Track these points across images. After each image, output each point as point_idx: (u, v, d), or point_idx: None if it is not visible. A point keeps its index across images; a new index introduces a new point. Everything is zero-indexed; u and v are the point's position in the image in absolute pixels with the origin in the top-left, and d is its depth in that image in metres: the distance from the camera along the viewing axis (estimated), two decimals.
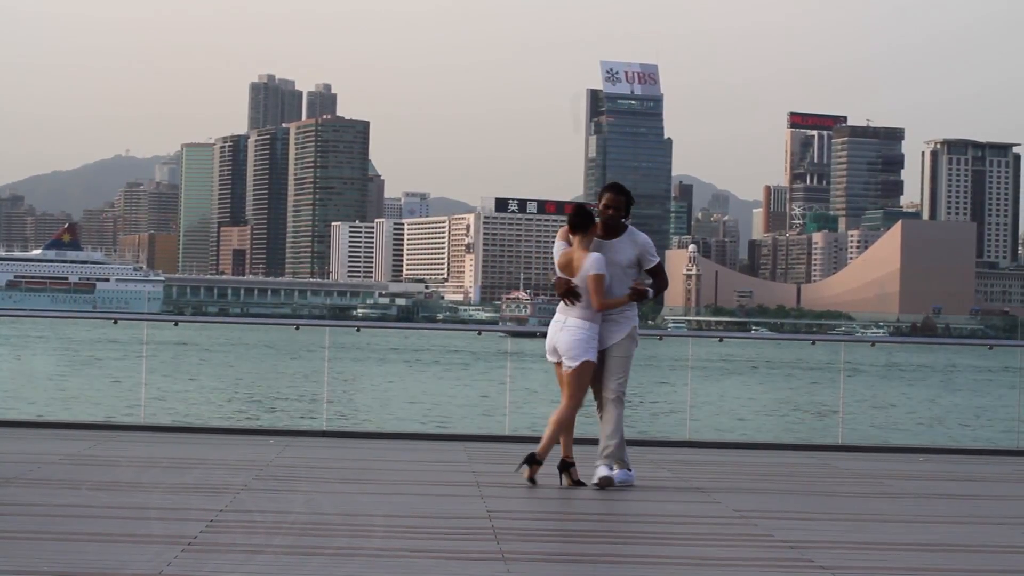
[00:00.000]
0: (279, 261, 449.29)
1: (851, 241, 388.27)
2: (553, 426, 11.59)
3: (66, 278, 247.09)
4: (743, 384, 58.75)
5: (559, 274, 11.55)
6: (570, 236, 11.58)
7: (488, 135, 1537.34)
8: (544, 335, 11.74)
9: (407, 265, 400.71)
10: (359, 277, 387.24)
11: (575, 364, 11.42)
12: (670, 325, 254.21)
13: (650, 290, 11.60)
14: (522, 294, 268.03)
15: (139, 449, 13.39)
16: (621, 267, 11.53)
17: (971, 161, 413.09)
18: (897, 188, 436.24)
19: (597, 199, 11.78)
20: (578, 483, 11.38)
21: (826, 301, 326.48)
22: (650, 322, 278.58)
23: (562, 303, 11.58)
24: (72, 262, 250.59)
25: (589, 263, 11.36)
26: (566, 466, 11.50)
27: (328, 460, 12.99)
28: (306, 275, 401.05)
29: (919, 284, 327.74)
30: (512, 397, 17.65)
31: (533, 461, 11.44)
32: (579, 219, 11.51)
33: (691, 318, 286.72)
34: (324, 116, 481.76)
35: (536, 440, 15.78)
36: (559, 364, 11.58)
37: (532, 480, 11.35)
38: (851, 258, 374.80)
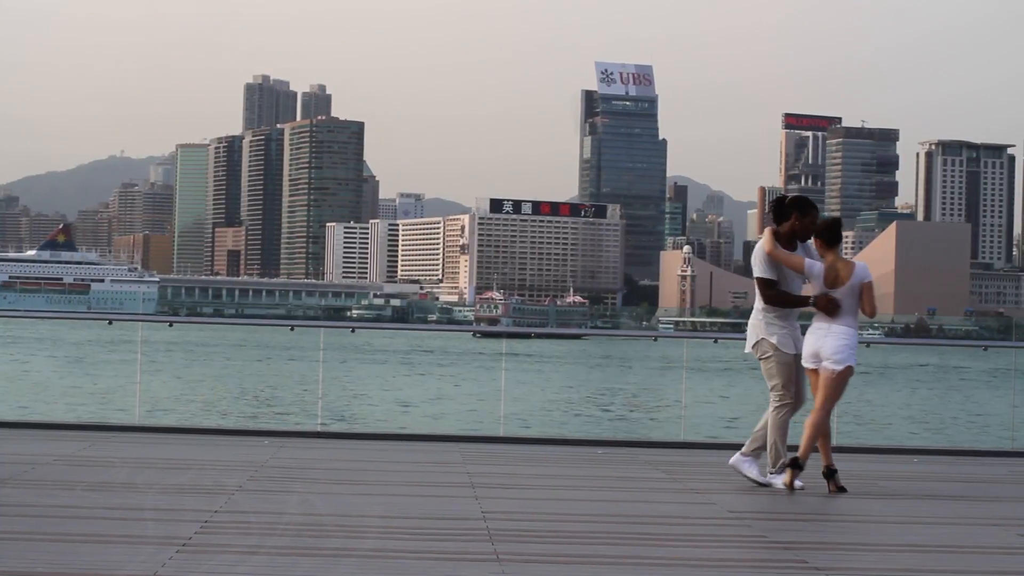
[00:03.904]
0: (274, 262, 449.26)
1: (845, 242, 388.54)
2: (809, 431, 11.74)
3: (61, 279, 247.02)
4: (738, 385, 58.71)
5: (821, 288, 11.69)
6: (819, 249, 11.80)
7: (483, 136, 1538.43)
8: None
9: (402, 266, 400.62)
10: (354, 278, 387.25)
11: (840, 368, 11.64)
12: (660, 326, 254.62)
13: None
14: (495, 294, 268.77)
15: (133, 450, 13.39)
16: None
17: (966, 162, 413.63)
18: (892, 189, 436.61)
19: (783, 216, 11.94)
20: (841, 489, 11.59)
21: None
22: (645, 323, 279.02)
23: (820, 313, 11.71)
24: (67, 263, 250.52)
25: (865, 271, 11.74)
26: (830, 473, 11.70)
27: (322, 461, 12.99)
28: (301, 276, 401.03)
29: (914, 285, 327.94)
30: (506, 397, 17.65)
31: (796, 466, 11.60)
32: (838, 233, 11.87)
33: (685, 319, 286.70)
34: (319, 117, 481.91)
35: (533, 440, 15.82)
36: (815, 370, 11.73)
37: (791, 486, 11.55)
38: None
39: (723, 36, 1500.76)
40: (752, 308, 12.14)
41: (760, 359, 12.04)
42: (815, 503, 11.13)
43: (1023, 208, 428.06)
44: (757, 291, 12.01)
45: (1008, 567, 8.34)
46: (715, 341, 24.49)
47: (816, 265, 11.72)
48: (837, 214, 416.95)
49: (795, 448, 11.87)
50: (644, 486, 11.91)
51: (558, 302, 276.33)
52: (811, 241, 12.00)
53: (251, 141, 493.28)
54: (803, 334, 11.92)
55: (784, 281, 11.90)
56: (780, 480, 11.69)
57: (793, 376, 11.89)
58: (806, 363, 11.76)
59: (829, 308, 11.65)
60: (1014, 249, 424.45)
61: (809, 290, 11.81)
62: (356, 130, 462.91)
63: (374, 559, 7.84)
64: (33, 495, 10.02)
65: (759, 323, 12.01)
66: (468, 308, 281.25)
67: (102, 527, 8.76)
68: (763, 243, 11.91)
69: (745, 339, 12.28)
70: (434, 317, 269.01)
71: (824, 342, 11.68)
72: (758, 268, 11.93)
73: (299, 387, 47.23)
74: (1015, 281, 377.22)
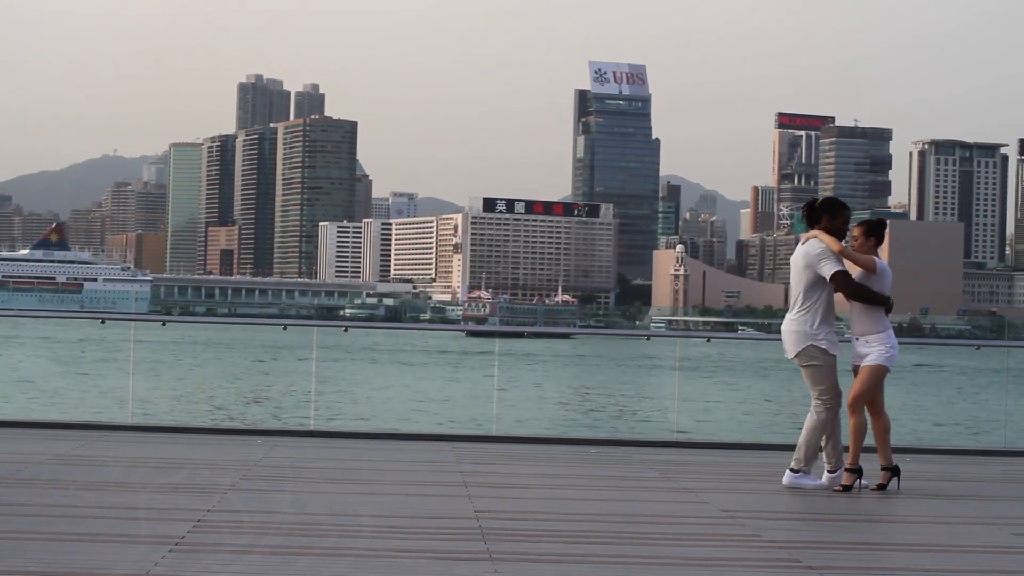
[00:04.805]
0: (267, 261, 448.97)
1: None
2: (881, 435, 11.91)
3: (54, 278, 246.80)
4: (731, 384, 58.77)
5: (886, 287, 11.88)
6: (869, 248, 11.88)
7: (476, 135, 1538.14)
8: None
9: (395, 265, 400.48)
10: (347, 277, 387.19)
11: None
12: (652, 324, 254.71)
13: None
14: (484, 293, 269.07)
15: (126, 449, 13.38)
16: None
17: (959, 162, 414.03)
18: (885, 188, 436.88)
19: (815, 219, 11.94)
20: (881, 487, 11.78)
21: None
22: (637, 323, 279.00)
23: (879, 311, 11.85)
24: (60, 262, 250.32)
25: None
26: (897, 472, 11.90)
27: (315, 460, 12.98)
28: (294, 275, 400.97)
29: (906, 284, 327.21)
30: (499, 397, 17.65)
31: (894, 472, 11.80)
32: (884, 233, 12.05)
33: (678, 318, 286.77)
34: (312, 116, 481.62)
35: (526, 440, 15.81)
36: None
37: (882, 487, 11.76)
38: None
39: (716, 35, 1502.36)
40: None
41: (805, 366, 11.86)
42: (809, 502, 11.13)
43: (1016, 207, 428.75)
44: (803, 295, 11.81)
45: (1002, 566, 8.35)
46: (708, 340, 24.42)
47: (885, 264, 11.76)
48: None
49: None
50: (637, 485, 11.91)
51: (547, 301, 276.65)
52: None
53: (244, 140, 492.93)
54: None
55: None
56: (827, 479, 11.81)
57: (836, 379, 11.89)
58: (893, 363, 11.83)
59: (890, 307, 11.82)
60: (1007, 248, 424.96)
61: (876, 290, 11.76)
62: (349, 129, 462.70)
63: (367, 558, 7.84)
64: (26, 494, 10.01)
65: (803, 329, 11.79)
66: (459, 307, 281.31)
67: (95, 526, 8.75)
68: (826, 242, 11.66)
69: (736, 339, 12.24)
70: (427, 316, 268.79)
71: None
72: (830, 264, 11.61)
73: (292, 386, 47.17)
74: (1008, 280, 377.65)
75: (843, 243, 11.89)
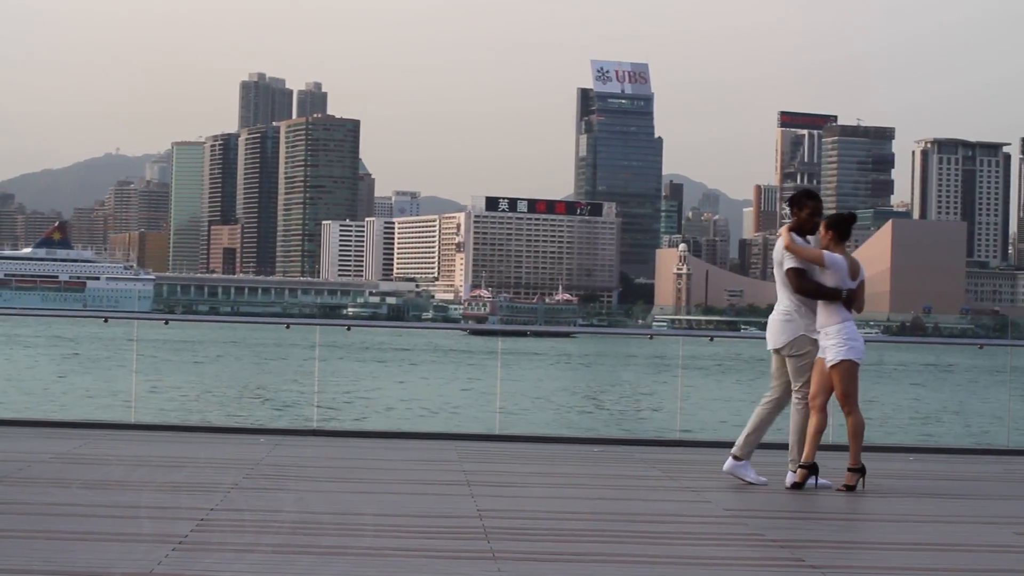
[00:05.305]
0: (269, 260, 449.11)
1: None
2: (855, 437, 11.80)
3: (56, 276, 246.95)
4: (734, 383, 58.71)
5: (843, 281, 11.72)
6: (830, 242, 11.84)
7: (479, 134, 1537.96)
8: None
9: (397, 264, 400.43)
10: (349, 276, 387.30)
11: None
12: (654, 324, 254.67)
13: None
14: (484, 292, 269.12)
15: (129, 448, 13.38)
16: None
17: (961, 161, 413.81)
18: (887, 187, 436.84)
19: (798, 206, 11.97)
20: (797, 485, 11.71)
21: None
22: (640, 322, 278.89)
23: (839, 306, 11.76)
24: (62, 260, 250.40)
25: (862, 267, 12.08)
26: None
27: (318, 459, 12.98)
28: (296, 274, 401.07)
29: (909, 283, 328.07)
30: (502, 395, 17.64)
31: (812, 469, 11.68)
32: (850, 229, 12.09)
33: (681, 317, 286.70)
34: (314, 115, 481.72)
35: (529, 438, 15.80)
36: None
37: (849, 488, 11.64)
38: None
39: (719, 34, 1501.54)
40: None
41: (792, 356, 11.86)
42: (811, 501, 11.13)
43: (1018, 206, 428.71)
44: (783, 286, 11.86)
45: (1004, 565, 8.34)
46: (711, 339, 24.46)
47: (837, 257, 11.69)
48: (832, 213, 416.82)
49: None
50: (640, 484, 11.91)
51: (547, 300, 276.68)
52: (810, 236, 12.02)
53: (247, 139, 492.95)
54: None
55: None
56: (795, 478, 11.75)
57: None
58: (863, 358, 11.76)
59: (853, 304, 11.74)
60: (1009, 248, 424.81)
61: (829, 283, 11.72)
62: (352, 128, 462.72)
63: (370, 557, 7.84)
64: (28, 493, 10.01)
65: (792, 321, 11.85)
66: (460, 306, 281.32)
67: (98, 525, 8.76)
68: (782, 239, 11.85)
69: (739, 338, 12.24)
70: (429, 315, 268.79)
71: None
72: (788, 261, 11.75)
73: (295, 385, 47.13)
74: (1011, 279, 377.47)
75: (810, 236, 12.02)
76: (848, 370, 11.62)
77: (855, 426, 11.68)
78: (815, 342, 11.77)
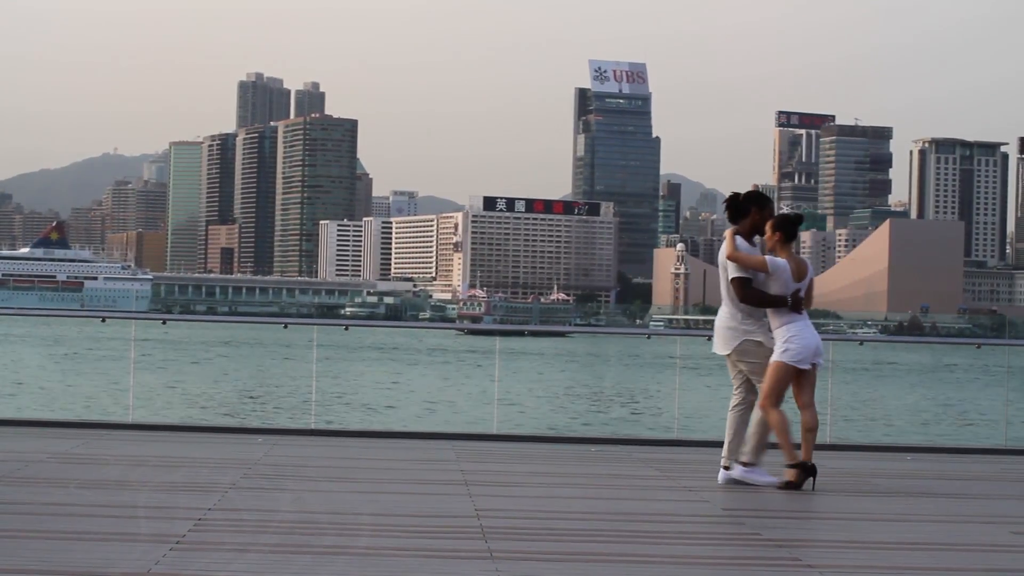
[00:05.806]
0: (267, 259, 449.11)
1: (839, 240, 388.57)
2: (807, 433, 11.69)
3: (54, 276, 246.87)
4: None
5: (789, 284, 11.67)
6: (776, 243, 11.78)
7: (476, 134, 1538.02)
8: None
9: (395, 264, 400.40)
10: (347, 276, 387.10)
11: (821, 362, 11.87)
12: (652, 323, 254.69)
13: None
14: (479, 292, 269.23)
15: (127, 448, 13.38)
16: None
17: (959, 160, 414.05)
18: (885, 187, 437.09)
19: (741, 213, 11.91)
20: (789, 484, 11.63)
21: (814, 300, 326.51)
22: (638, 321, 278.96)
23: (794, 310, 11.70)
24: (60, 260, 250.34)
25: (810, 266, 12.06)
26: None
27: (316, 459, 12.97)
28: (294, 273, 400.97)
29: (907, 283, 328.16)
30: (500, 395, 17.64)
31: (810, 471, 11.59)
32: (796, 229, 12.03)
33: (678, 316, 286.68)
34: (312, 114, 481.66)
35: (526, 438, 15.81)
36: (804, 370, 11.73)
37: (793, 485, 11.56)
38: (839, 257, 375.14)
39: (717, 34, 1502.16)
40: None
41: (743, 360, 11.86)
42: (809, 501, 11.13)
43: (1016, 206, 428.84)
44: (728, 293, 11.79)
45: (1001, 564, 8.34)
46: (709, 339, 24.40)
47: (779, 261, 11.64)
48: (830, 212, 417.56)
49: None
50: (638, 484, 11.91)
51: (542, 299, 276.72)
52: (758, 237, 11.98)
53: (244, 139, 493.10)
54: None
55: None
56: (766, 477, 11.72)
57: None
58: (812, 360, 11.70)
59: (801, 305, 11.70)
60: (1007, 247, 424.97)
61: (774, 288, 11.68)
62: (349, 128, 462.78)
63: (367, 557, 7.84)
64: (26, 493, 10.00)
65: (737, 326, 11.81)
66: (455, 305, 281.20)
67: (95, 525, 8.75)
68: (724, 247, 11.78)
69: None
70: (427, 315, 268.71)
71: (818, 338, 11.74)
72: (732, 269, 11.68)
73: (292, 385, 47.16)
74: (1008, 279, 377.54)
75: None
76: (778, 369, 11.59)
77: (779, 423, 11.62)
78: (760, 344, 11.77)
